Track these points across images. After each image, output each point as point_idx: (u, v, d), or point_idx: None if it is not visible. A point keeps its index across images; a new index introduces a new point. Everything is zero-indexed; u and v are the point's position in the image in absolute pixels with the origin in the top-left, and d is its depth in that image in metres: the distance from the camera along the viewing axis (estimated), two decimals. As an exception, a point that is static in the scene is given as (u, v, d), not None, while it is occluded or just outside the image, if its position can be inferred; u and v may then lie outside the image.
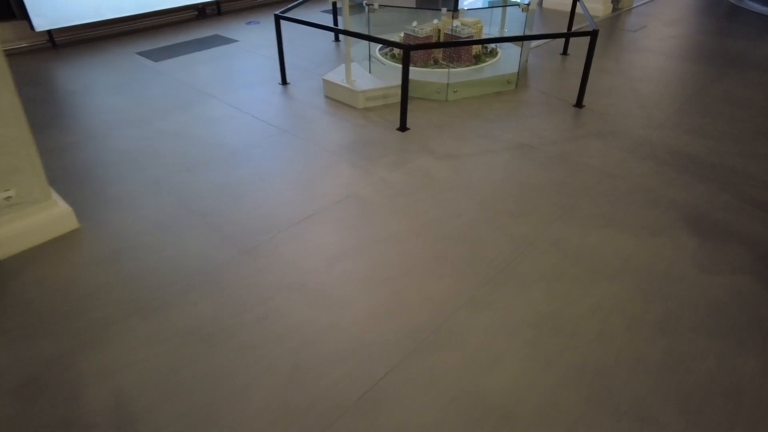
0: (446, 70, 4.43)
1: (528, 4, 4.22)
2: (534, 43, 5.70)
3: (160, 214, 2.89)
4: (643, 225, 2.81)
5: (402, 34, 4.60)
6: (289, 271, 2.48)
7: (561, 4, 7.08)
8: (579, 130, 3.80)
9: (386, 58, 4.64)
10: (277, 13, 4.28)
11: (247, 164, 3.36)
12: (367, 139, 3.68)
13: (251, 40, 5.86)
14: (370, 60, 4.47)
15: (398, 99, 4.25)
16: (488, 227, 2.78)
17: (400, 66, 4.27)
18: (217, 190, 3.10)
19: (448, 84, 4.21)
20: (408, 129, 3.81)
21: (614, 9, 7.14)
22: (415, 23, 4.42)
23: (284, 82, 4.61)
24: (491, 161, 3.40)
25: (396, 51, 4.74)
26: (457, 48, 4.45)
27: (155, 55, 5.34)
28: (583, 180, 3.20)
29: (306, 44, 5.71)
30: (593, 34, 3.86)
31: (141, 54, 5.38)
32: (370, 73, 4.37)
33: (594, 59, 5.24)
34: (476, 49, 4.66)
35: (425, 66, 4.49)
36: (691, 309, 2.28)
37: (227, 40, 5.83)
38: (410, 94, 4.35)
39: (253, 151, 3.52)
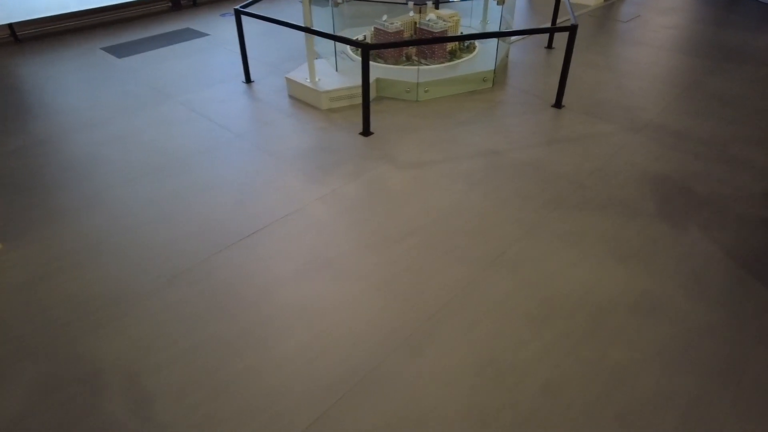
0: (417, 67, 4.12)
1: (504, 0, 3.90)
2: (515, 38, 5.35)
3: (92, 232, 2.64)
4: (612, 247, 2.52)
5: (372, 29, 4.29)
6: (214, 305, 2.23)
7: (552, -7, 6.70)
8: (554, 134, 3.50)
9: (356, 54, 4.34)
10: (237, 7, 3.98)
11: (191, 174, 3.10)
12: (327, 144, 3.40)
13: (223, 34, 5.55)
14: (336, 57, 4.17)
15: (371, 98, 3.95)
16: (441, 249, 2.51)
17: (373, 63, 3.98)
18: (154, 204, 2.84)
19: (418, 83, 3.90)
20: (371, 133, 3.52)
21: (608, -3, 6.75)
22: (385, 17, 4.11)
23: (248, 80, 4.32)
24: (455, 170, 3.11)
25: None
26: (431, 42, 4.13)
27: (120, 51, 5.05)
28: (553, 192, 2.92)
29: (278, 37, 5.40)
30: (572, 30, 3.53)
31: (106, 49, 5.10)
32: (337, 71, 4.07)
33: (580, 53, 4.91)
34: (452, 44, 4.34)
35: (396, 63, 4.19)
36: (655, 352, 2.00)
37: (198, 34, 5.53)
38: (379, 93, 4.05)
39: (201, 159, 3.25)
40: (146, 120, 3.73)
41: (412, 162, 3.20)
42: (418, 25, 4.19)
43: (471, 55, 4.35)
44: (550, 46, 5.04)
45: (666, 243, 2.55)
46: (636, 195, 2.89)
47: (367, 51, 3.20)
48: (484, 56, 4.35)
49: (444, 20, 4.22)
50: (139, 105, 3.95)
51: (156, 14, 6.16)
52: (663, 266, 2.40)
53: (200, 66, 4.67)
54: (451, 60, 4.24)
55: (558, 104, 3.85)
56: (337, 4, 3.78)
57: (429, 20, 4.12)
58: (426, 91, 3.96)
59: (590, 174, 3.06)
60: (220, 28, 5.70)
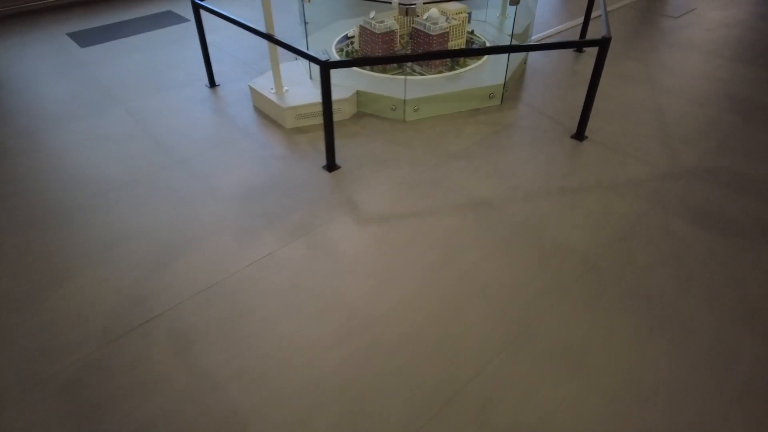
0: (407, 76, 3.30)
1: None
2: (538, 35, 4.43)
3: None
4: (631, 377, 1.75)
5: (357, 28, 3.48)
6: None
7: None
8: (569, 178, 2.67)
9: (342, 55, 3.54)
10: (196, 0, 3.23)
11: (96, 221, 2.42)
12: (280, 180, 2.68)
13: (207, 18, 4.81)
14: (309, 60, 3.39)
15: (345, 116, 3.19)
16: (381, 371, 1.78)
17: (355, 69, 3.23)
18: (30, 275, 2.19)
19: (405, 100, 3.11)
20: (338, 167, 2.77)
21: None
22: (373, 14, 3.29)
23: (212, 83, 3.59)
24: (432, 230, 2.35)
25: (352, 47, 3.62)
26: (427, 48, 3.30)
27: (85, 38, 4.38)
28: (554, 274, 2.14)
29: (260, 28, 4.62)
30: (602, 44, 2.66)
31: (72, 35, 4.43)
32: (312, 80, 3.30)
33: (614, 60, 3.97)
34: (456, 47, 3.50)
35: (385, 71, 3.38)
36: None
37: (179, 20, 4.80)
38: (360, 108, 3.28)
39: (117, 198, 2.57)
40: (82, 134, 3.07)
41: (379, 213, 2.45)
42: (413, 25, 3.35)
43: (479, 63, 3.50)
44: (580, 49, 4.11)
45: (714, 381, 1.76)
46: (671, 286, 2.08)
47: (327, 70, 2.43)
48: (495, 63, 3.49)
49: (448, 17, 3.37)
50: (80, 113, 3.29)
51: (140, -7, 5.44)
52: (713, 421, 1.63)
53: (166, 61, 3.97)
54: (452, 68, 3.40)
55: (579, 135, 3.00)
56: (307, 1, 2.99)
57: (427, 18, 3.29)
58: (416, 110, 3.16)
59: (608, 247, 2.26)
60: (204, 12, 4.95)
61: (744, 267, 2.16)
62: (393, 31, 3.27)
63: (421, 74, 3.34)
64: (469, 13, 3.92)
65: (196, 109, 3.32)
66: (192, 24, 4.69)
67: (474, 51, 2.64)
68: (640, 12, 4.92)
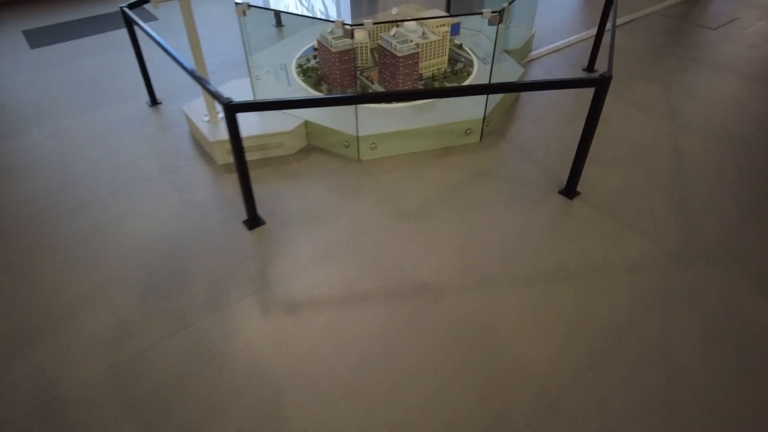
0: (368, 106, 2.69)
1: (500, 14, 2.30)
2: (542, 48, 3.72)
3: None
4: None
5: (316, 42, 2.87)
6: None
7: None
8: (543, 260, 2.05)
9: (297, 74, 2.96)
10: (123, 6, 2.68)
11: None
12: (187, 239, 2.15)
13: (178, 17, 4.27)
14: (252, 79, 2.80)
15: (290, 150, 2.63)
16: None
17: (312, 91, 2.70)
18: None
19: (358, 137, 2.52)
20: (261, 223, 2.23)
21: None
22: (331, 29, 2.69)
23: (153, 101, 3.07)
24: (349, 329, 1.79)
25: (311, 64, 3.02)
26: (393, 70, 2.68)
27: (39, 38, 3.91)
28: (497, 413, 1.55)
29: (236, 30, 4.05)
30: (600, 85, 2.00)
31: (27, 33, 3.97)
32: (256, 104, 2.74)
33: (629, 82, 3.26)
34: (434, 67, 2.86)
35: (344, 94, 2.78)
36: None
37: (147, 17, 4.28)
38: (309, 141, 2.70)
39: (-4, 251, 2.10)
40: (-16, 162, 2.61)
41: (292, 298, 1.90)
42: (379, 42, 2.74)
43: (462, 84, 2.85)
44: (590, 68, 3.40)
45: None
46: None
47: (231, 114, 1.86)
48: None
49: (425, 32, 2.74)
50: (-5, 133, 2.83)
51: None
52: None
53: (115, 68, 3.46)
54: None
55: (570, 191, 2.36)
56: (242, 13, 2.40)
57: (395, 35, 2.66)
58: (372, 147, 2.57)
59: (576, 376, 1.65)
60: (177, 9, 4.42)
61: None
62: (352, 50, 2.66)
63: (385, 100, 2.73)
64: (456, 24, 3.26)
65: (126, 134, 2.81)
66: (159, 23, 4.17)
67: (429, 93, 2.01)
68: (672, 20, 4.13)
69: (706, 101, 3.07)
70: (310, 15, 2.35)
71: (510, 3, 2.37)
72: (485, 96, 2.65)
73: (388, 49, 2.64)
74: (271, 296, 1.91)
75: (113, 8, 4.43)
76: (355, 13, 2.83)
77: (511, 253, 2.08)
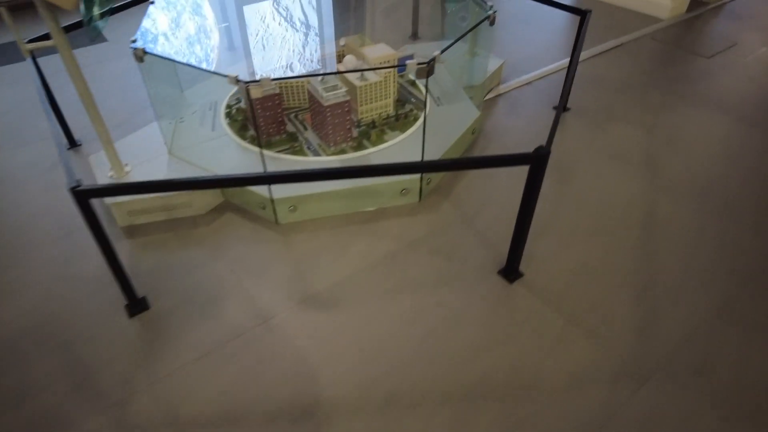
0: (288, 156, 2.32)
1: (428, 65, 1.89)
2: (508, 83, 3.30)
3: None
4: None
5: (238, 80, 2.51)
6: None
7: (612, -10, 4.39)
8: (469, 366, 1.67)
9: (225, 116, 2.60)
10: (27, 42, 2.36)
11: None
12: (52, 330, 1.82)
13: (120, 41, 3.94)
14: (159, 125, 2.44)
15: (200, 210, 2.29)
16: None
17: (235, 138, 2.38)
18: None
19: (272, 198, 2.16)
20: (145, 309, 1.89)
21: (694, 3, 4.34)
22: (260, 76, 2.33)
23: (72, 144, 2.75)
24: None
25: (238, 106, 2.66)
26: (322, 119, 2.31)
27: (-21, 61, 3.62)
28: None
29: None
30: (536, 162, 1.61)
31: (-32, 57, 3.69)
32: (169, 153, 2.40)
33: (608, 124, 2.84)
34: (376, 111, 2.49)
35: (270, 147, 2.42)
36: None
37: (100, 39, 3.96)
38: (226, 198, 2.36)
39: None
40: None
41: (156, 418, 1.56)
42: (307, 86, 2.37)
43: (403, 136, 2.48)
44: (562, 105, 2.99)
45: None
46: None
47: (84, 200, 1.52)
48: (431, 135, 2.45)
49: (373, 71, 2.36)
50: None
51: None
52: None
53: (36, 102, 3.14)
54: (360, 145, 2.40)
55: (510, 272, 1.98)
56: (140, 60, 2.06)
57: (322, 80, 2.29)
58: (292, 210, 2.21)
59: None
60: (131, 27, 4.09)
61: None
62: (276, 95, 2.30)
63: (317, 154, 2.37)
64: (408, 57, 2.87)
65: (32, 184, 2.49)
66: (109, 45, 3.84)
67: (349, 172, 1.66)
68: (663, 45, 3.68)
69: (692, 152, 2.64)
70: (199, 68, 2.00)
71: (442, 52, 1.98)
72: (421, 149, 2.28)
73: (315, 96, 2.27)
74: (131, 411, 1.57)
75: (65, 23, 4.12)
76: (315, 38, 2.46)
77: (427, 359, 1.71)
